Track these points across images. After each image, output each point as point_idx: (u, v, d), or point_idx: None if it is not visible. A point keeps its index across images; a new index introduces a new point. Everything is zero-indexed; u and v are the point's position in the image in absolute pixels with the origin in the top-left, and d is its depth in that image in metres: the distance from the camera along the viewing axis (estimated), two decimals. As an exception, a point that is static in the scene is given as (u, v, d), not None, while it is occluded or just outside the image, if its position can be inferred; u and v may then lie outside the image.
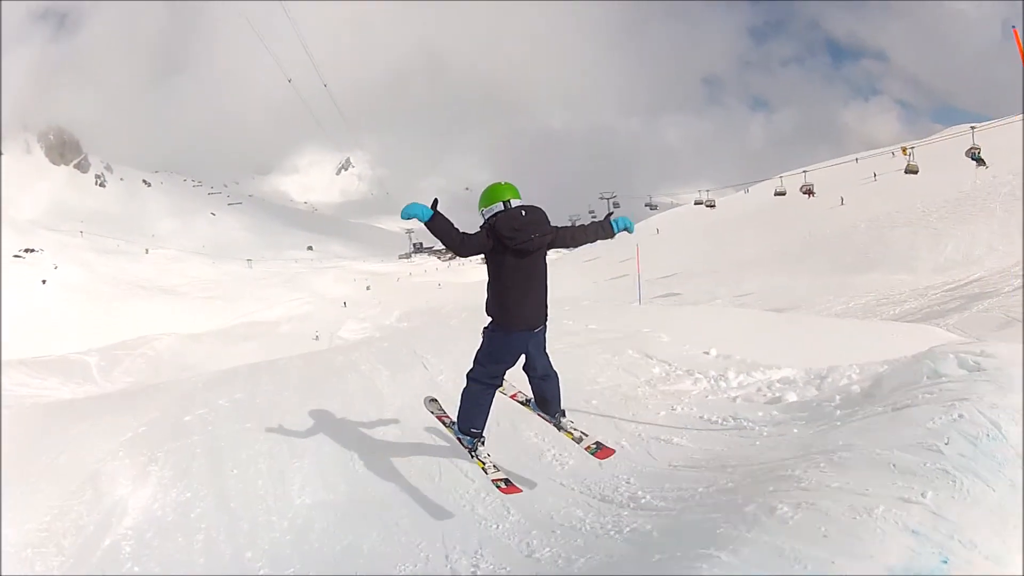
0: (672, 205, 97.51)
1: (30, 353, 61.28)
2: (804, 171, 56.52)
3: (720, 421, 7.81)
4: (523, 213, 6.41)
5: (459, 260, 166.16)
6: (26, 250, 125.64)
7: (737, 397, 8.57)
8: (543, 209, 6.58)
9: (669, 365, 10.28)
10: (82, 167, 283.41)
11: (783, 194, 56.65)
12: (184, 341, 70.88)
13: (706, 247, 66.56)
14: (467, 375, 7.08)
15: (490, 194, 6.61)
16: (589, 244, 7.26)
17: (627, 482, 6.89)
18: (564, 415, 7.51)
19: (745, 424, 7.50)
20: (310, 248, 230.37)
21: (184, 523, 8.47)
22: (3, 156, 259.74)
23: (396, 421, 10.11)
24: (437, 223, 6.36)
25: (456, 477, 8.20)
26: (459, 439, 7.19)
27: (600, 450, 7.09)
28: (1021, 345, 6.21)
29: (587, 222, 7.94)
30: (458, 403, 7.16)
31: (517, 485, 6.90)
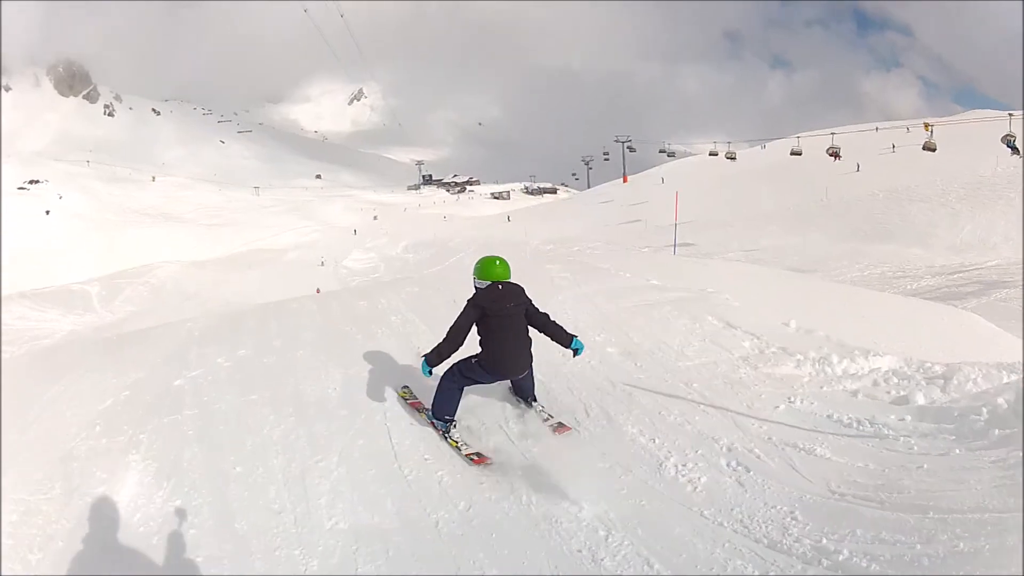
0: (686, 154, 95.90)
1: (33, 285, 61.55)
2: (832, 133, 55.17)
3: (854, 424, 6.94)
4: (499, 287, 7.55)
5: (467, 193, 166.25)
6: (30, 181, 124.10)
7: (857, 391, 7.71)
8: (521, 286, 7.76)
9: (757, 338, 9.40)
10: (91, 98, 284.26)
11: (799, 154, 57.37)
12: (187, 269, 71.61)
13: (718, 199, 65.60)
14: (443, 375, 7.88)
15: (485, 271, 7.65)
16: (548, 334, 7.88)
17: (793, 517, 5.55)
18: (536, 400, 8.23)
19: (885, 432, 6.68)
20: (319, 177, 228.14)
21: (172, 551, 6.35)
22: (10, 91, 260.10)
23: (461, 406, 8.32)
24: (433, 360, 7.59)
25: (550, 496, 6.41)
26: (433, 423, 7.89)
27: (559, 427, 7.73)
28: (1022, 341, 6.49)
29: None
30: (434, 393, 7.96)
31: (486, 455, 7.35)
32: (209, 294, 56.30)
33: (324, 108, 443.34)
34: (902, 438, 6.46)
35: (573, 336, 7.70)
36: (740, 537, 5.44)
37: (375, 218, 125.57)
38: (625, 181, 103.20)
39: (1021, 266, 26.49)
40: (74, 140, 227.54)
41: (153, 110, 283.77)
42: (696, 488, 6.22)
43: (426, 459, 7.33)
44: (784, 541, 5.26)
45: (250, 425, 8.10)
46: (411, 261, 66.63)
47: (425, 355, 7.59)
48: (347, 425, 7.97)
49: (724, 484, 6.19)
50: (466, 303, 7.58)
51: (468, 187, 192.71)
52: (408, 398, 8.56)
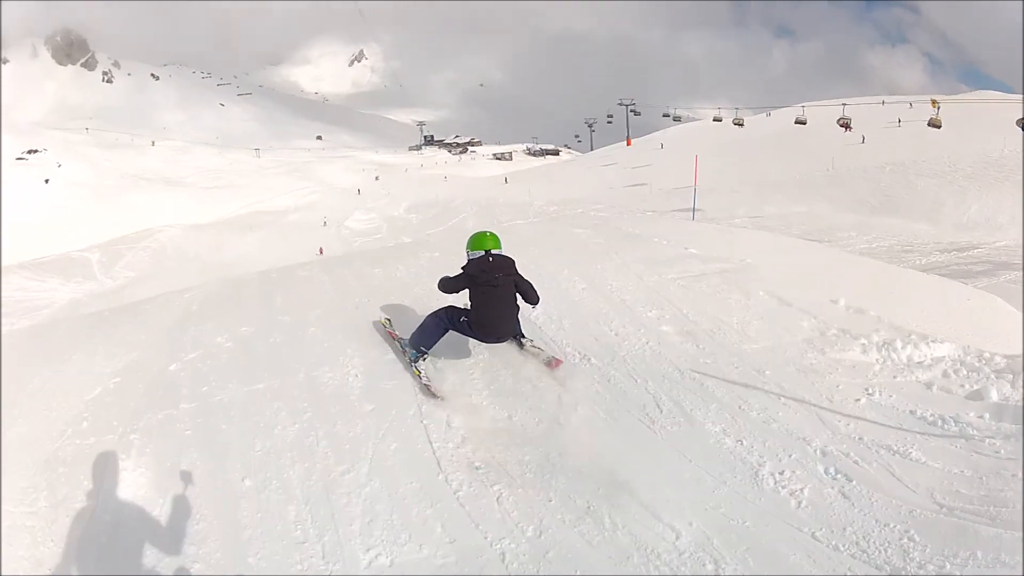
0: (690, 119, 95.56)
1: (33, 254, 61.45)
2: (843, 104, 55.97)
3: (938, 423, 6.41)
4: (490, 259, 7.87)
5: (469, 154, 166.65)
6: (29, 151, 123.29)
7: (931, 384, 7.12)
8: (511, 258, 8.02)
9: (814, 318, 8.70)
10: (89, 65, 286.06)
11: (804, 123, 57.13)
12: (187, 232, 71.88)
13: (722, 165, 63.84)
14: (432, 312, 8.16)
15: (476, 243, 8.00)
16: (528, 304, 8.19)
17: (910, 538, 5.03)
18: (524, 336, 8.44)
19: (970, 432, 6.20)
20: (319, 138, 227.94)
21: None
22: (8, 63, 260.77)
23: (502, 393, 7.57)
24: (442, 280, 8.09)
25: (636, 516, 5.53)
26: (404, 350, 8.19)
27: (551, 361, 7.99)
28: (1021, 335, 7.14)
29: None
30: (419, 325, 8.18)
31: (438, 393, 7.53)
32: (210, 257, 55.69)
33: (324, 70, 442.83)
34: (987, 439, 6.04)
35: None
36: (860, 564, 4.88)
37: (376, 179, 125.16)
38: (628, 144, 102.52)
39: (1021, 247, 26.84)
40: (72, 108, 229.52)
41: (152, 75, 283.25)
42: (800, 503, 5.55)
43: (477, 467, 6.32)
44: (907, 568, 4.78)
45: (258, 423, 7.06)
46: (413, 222, 65.87)
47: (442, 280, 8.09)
48: (375, 424, 6.98)
49: (828, 497, 5.57)
50: (460, 270, 8.03)
51: (470, 148, 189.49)
52: (387, 327, 8.94)
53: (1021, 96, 42.72)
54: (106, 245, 63.82)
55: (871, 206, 41.46)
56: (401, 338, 8.43)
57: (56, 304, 41.79)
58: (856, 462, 5.88)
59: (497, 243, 8.04)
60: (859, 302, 8.92)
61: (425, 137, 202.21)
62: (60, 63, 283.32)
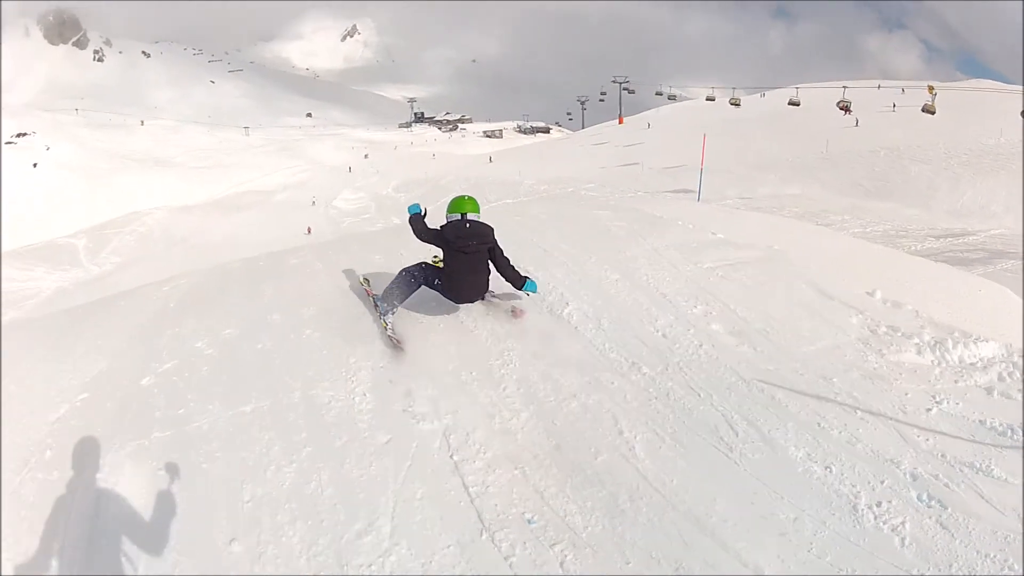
0: (683, 98, 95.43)
1: (21, 241, 61.29)
2: (844, 86, 55.85)
3: (1008, 433, 5.98)
4: (467, 226, 8.04)
5: (459, 132, 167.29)
6: (18, 135, 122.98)
7: (991, 388, 6.65)
8: (490, 227, 8.21)
9: (860, 313, 8.09)
10: (80, 44, 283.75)
11: (797, 104, 57.94)
12: (175, 214, 71.84)
13: (714, 145, 63.17)
14: (406, 268, 8.28)
15: (453, 206, 8.28)
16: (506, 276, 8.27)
17: (1009, 567, 4.68)
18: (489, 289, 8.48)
19: None
20: (309, 115, 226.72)
21: None
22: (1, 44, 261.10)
23: (544, 415, 6.59)
24: (417, 220, 8.28)
25: None
26: (376, 304, 8.20)
27: (514, 310, 8.32)
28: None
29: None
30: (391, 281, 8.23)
31: (401, 344, 7.62)
32: (197, 240, 55.44)
33: (317, 45, 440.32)
34: (1059, 456, 5.67)
35: (526, 279, 8.28)
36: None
37: (366, 157, 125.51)
38: (621, 122, 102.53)
39: (1021, 237, 26.49)
40: (64, 88, 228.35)
41: (143, 52, 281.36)
42: (904, 539, 5.01)
43: (529, 520, 5.29)
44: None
45: (246, 461, 5.93)
46: (403, 201, 64.39)
47: (416, 214, 8.33)
48: (394, 462, 5.92)
49: (929, 529, 5.06)
50: (438, 227, 8.18)
51: (460, 125, 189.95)
52: (365, 286, 9.02)
53: (1020, 87, 42.80)
54: (93, 230, 63.80)
55: (865, 190, 41.67)
56: (376, 295, 8.42)
57: (43, 294, 41.66)
58: (946, 485, 5.45)
59: (475, 207, 8.29)
60: (894, 294, 8.48)
61: (415, 114, 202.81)
62: (52, 43, 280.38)
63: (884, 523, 5.08)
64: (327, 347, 7.69)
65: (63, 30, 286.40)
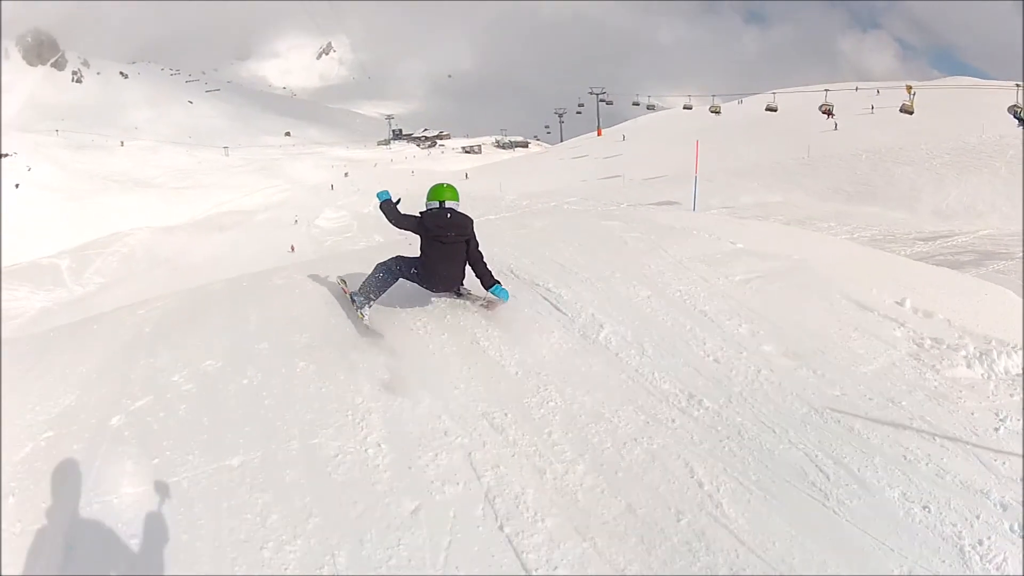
0: (662, 108, 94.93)
1: (4, 261, 60.11)
2: (826, 90, 54.16)
3: None
4: (448, 216, 8.10)
5: (438, 148, 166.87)
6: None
7: None
8: (470, 218, 8.30)
9: (902, 325, 7.65)
10: (59, 65, 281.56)
11: (774, 110, 56.58)
12: (157, 234, 70.57)
13: (689, 152, 62.88)
14: (382, 262, 8.37)
15: (433, 193, 8.30)
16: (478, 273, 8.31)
17: None
18: (463, 287, 8.62)
19: None
20: (287, 134, 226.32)
21: None
22: None
23: (608, 467, 5.60)
24: (389, 206, 8.31)
25: None
26: (353, 299, 8.16)
27: (489, 304, 8.35)
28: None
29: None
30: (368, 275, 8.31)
31: (379, 332, 7.72)
32: (180, 260, 54.19)
33: (292, 63, 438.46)
34: None
35: (496, 283, 8.23)
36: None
37: (346, 175, 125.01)
38: (599, 135, 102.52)
39: (1017, 237, 25.86)
40: (44, 109, 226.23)
41: (121, 73, 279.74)
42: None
43: None
44: None
45: (236, 535, 4.91)
46: (384, 219, 64.06)
47: (387, 200, 8.41)
48: (428, 537, 4.86)
49: None
50: (418, 214, 8.24)
51: (439, 141, 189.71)
52: (343, 285, 8.88)
53: (999, 82, 43.10)
54: (76, 251, 62.70)
55: (848, 194, 41.45)
56: (354, 292, 8.25)
57: (27, 314, 41.58)
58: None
59: (455, 195, 8.30)
60: (920, 303, 8.08)
61: (393, 131, 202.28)
62: (30, 64, 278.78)
63: (989, 563, 4.67)
64: (327, 382, 6.69)
65: (41, 51, 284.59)
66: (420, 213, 8.18)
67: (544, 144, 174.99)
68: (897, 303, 8.10)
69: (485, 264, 8.30)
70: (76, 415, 6.58)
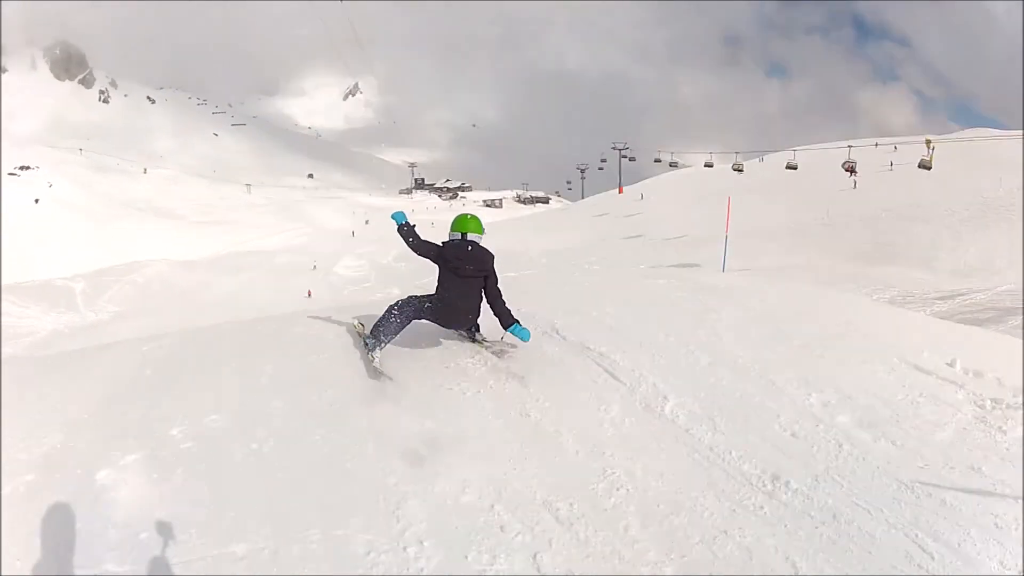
0: (683, 165, 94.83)
1: (17, 275, 60.31)
2: (849, 146, 54.10)
3: None
4: (469, 248, 7.94)
5: (459, 200, 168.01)
6: (21, 167, 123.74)
7: None
8: (491, 254, 8.11)
9: (961, 387, 7.39)
10: (87, 82, 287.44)
11: (795, 168, 56.32)
12: (175, 268, 69.54)
13: (711, 213, 62.05)
14: (394, 303, 8.04)
15: (457, 224, 8.21)
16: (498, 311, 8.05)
17: None
18: (479, 332, 8.45)
19: None
20: (311, 176, 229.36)
21: None
22: (6, 72, 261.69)
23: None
24: (407, 228, 8.36)
25: None
26: (365, 341, 7.90)
27: (501, 354, 8.06)
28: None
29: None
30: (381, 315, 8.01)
31: (388, 372, 7.38)
32: (196, 296, 53.58)
33: (318, 102, 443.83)
34: None
35: (515, 322, 7.95)
36: None
37: (367, 222, 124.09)
38: (621, 192, 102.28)
39: None
40: (68, 125, 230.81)
41: (148, 98, 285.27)
42: None
43: None
44: None
45: None
46: (403, 271, 63.10)
47: (405, 223, 8.42)
48: None
49: None
50: (440, 244, 8.10)
51: (460, 193, 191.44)
52: (359, 329, 8.46)
53: (1016, 132, 43.04)
54: (91, 275, 62.38)
55: (867, 255, 40.29)
56: (366, 336, 7.96)
57: (38, 334, 40.64)
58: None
59: (478, 228, 8.22)
60: (970, 363, 7.85)
61: (416, 180, 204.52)
62: (58, 77, 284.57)
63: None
64: (353, 457, 5.77)
65: (70, 66, 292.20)
66: (442, 243, 8.08)
67: (565, 200, 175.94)
68: (948, 364, 7.86)
69: (504, 303, 8.09)
70: (61, 461, 5.85)
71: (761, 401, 6.99)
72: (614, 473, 5.71)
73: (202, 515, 4.95)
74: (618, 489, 5.50)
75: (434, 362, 7.88)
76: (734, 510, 5.28)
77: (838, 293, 14.99)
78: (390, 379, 7.20)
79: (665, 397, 6.97)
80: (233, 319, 12.51)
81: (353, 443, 5.93)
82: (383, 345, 7.74)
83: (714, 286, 11.51)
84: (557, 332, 8.69)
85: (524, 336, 7.87)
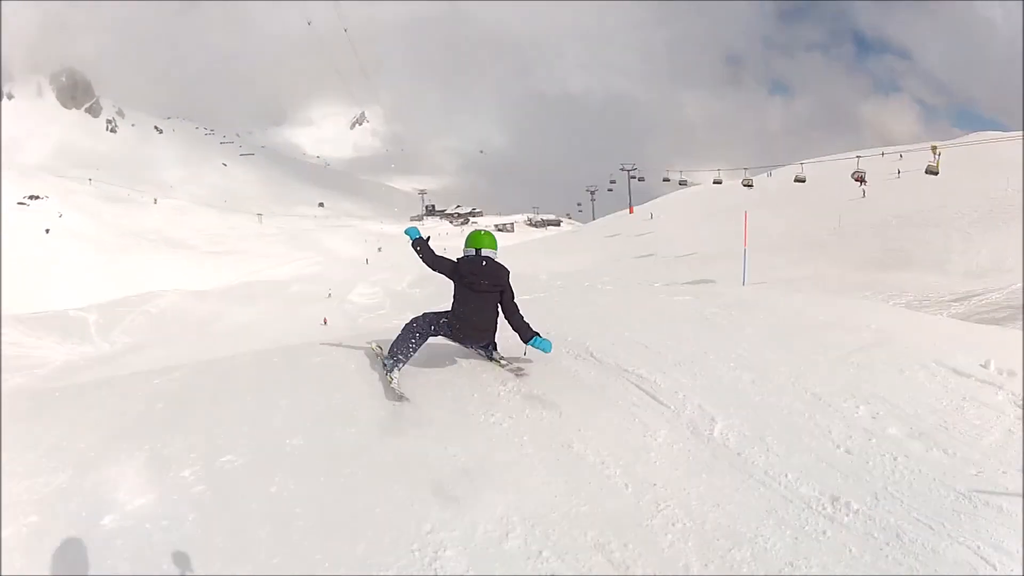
0: (692, 183, 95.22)
1: (30, 306, 60.60)
2: (858, 157, 53.95)
3: None
4: (483, 264, 7.96)
5: (470, 225, 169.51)
6: (31, 197, 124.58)
7: None
8: (506, 269, 8.15)
9: (1000, 388, 7.19)
10: (93, 111, 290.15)
11: (803, 181, 56.43)
12: (188, 298, 69.39)
13: (720, 230, 62.11)
14: (411, 320, 8.11)
15: (471, 240, 8.17)
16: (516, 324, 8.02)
17: None
18: (496, 349, 8.33)
19: None
20: (321, 205, 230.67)
21: None
22: (13, 99, 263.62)
23: None
24: (423, 244, 8.38)
25: None
26: (383, 362, 7.89)
27: (518, 372, 7.93)
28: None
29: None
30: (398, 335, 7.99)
31: (407, 395, 7.22)
32: (210, 327, 53.51)
33: (326, 132, 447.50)
34: None
35: (535, 334, 7.94)
36: None
37: (380, 250, 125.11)
38: (631, 212, 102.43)
39: None
40: (75, 154, 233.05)
41: (155, 128, 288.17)
42: None
43: None
44: None
45: None
46: (417, 297, 62.99)
47: (420, 238, 8.45)
48: None
49: None
50: (455, 260, 8.17)
51: (471, 218, 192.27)
52: (377, 351, 8.49)
53: (1018, 132, 43.11)
54: (105, 306, 62.66)
55: (880, 262, 40.18)
56: (384, 357, 8.01)
57: (51, 364, 40.38)
58: None
59: (492, 243, 8.19)
60: (1003, 364, 7.70)
61: (427, 207, 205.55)
62: (65, 105, 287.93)
63: None
64: (382, 499, 5.28)
65: (76, 93, 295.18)
66: (456, 259, 8.13)
67: (576, 222, 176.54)
68: (982, 366, 7.70)
69: (522, 317, 8.08)
70: (66, 502, 5.42)
71: (810, 417, 6.72)
72: (667, 506, 5.31)
73: (217, 567, 4.54)
74: (673, 524, 5.10)
75: (462, 390, 7.49)
76: (797, 538, 4.98)
77: (866, 301, 15.40)
78: (408, 400, 7.08)
79: (713, 419, 6.63)
80: (247, 349, 11.60)
81: (380, 484, 5.44)
82: (401, 365, 7.73)
83: (743, 300, 11.39)
84: (592, 355, 8.31)
85: (546, 347, 7.91)
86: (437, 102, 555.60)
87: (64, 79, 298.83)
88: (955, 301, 26.58)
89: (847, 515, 5.21)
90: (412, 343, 7.83)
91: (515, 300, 8.13)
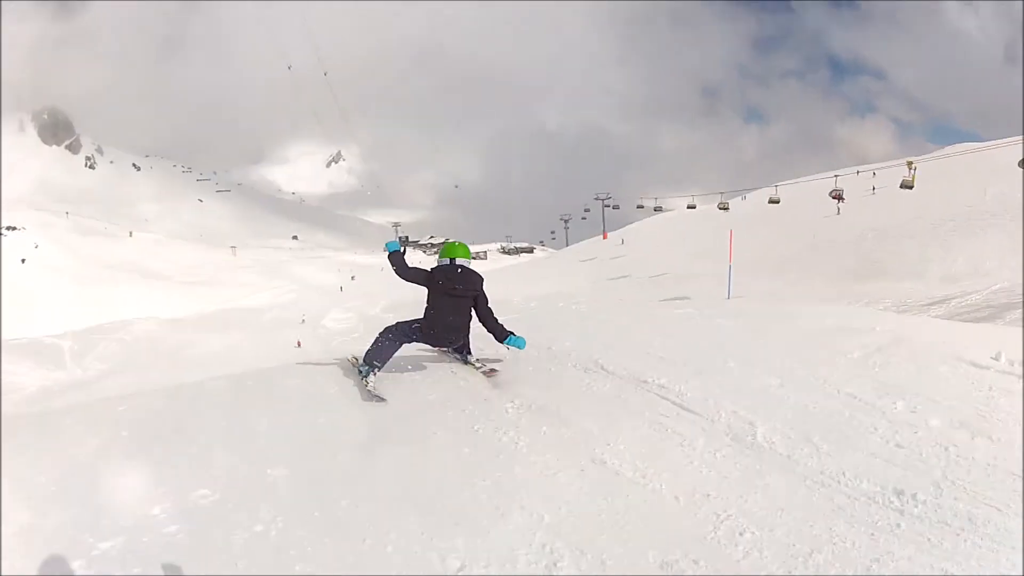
0: (667, 210, 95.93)
1: (5, 334, 60.00)
2: (836, 175, 55.89)
3: None
4: (458, 270, 8.41)
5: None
6: (7, 228, 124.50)
7: None
8: (480, 275, 8.66)
9: (1016, 377, 7.15)
10: (73, 148, 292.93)
11: (777, 202, 57.05)
12: (163, 326, 68.07)
13: (698, 251, 62.37)
14: (384, 329, 8.53)
15: (445, 251, 8.72)
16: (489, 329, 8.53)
17: None
18: (471, 354, 8.77)
19: None
20: (295, 238, 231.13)
21: None
22: None
23: None
24: (398, 257, 8.86)
25: None
26: (359, 369, 8.18)
27: (489, 372, 8.36)
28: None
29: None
30: (371, 343, 8.34)
31: (384, 397, 7.50)
32: (185, 353, 53.13)
33: (302, 169, 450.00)
34: None
35: (509, 334, 8.40)
36: None
37: (352, 278, 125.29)
38: (605, 238, 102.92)
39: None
40: (54, 190, 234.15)
41: (133, 165, 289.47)
42: None
43: None
44: None
45: None
46: (391, 321, 63.18)
47: (396, 252, 8.93)
48: None
49: None
50: (429, 269, 8.50)
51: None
52: (354, 363, 8.60)
53: (994, 141, 43.38)
54: (79, 333, 62.51)
55: (855, 273, 39.67)
56: (359, 360, 8.38)
57: (26, 390, 40.33)
58: None
59: (466, 253, 8.67)
60: (1013, 355, 7.70)
61: (400, 238, 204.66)
62: (46, 142, 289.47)
63: None
64: (393, 536, 4.66)
65: (57, 131, 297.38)
66: (431, 268, 8.50)
67: (550, 249, 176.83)
68: (994, 359, 7.70)
69: (496, 319, 8.54)
70: (28, 544, 4.85)
71: (851, 416, 6.61)
72: (729, 516, 5.03)
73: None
74: (741, 534, 4.82)
75: (463, 407, 7.25)
76: (873, 535, 4.80)
77: (861, 308, 16.11)
78: (383, 400, 7.41)
79: (751, 424, 6.45)
80: (221, 373, 10.60)
81: (386, 516, 4.84)
82: (376, 370, 8.04)
83: (746, 309, 11.89)
84: (602, 367, 8.13)
85: (520, 344, 8.36)
86: (414, 139, 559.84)
87: (46, 116, 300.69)
88: (933, 304, 26.83)
89: (916, 506, 5.13)
90: (386, 348, 8.19)
91: (489, 305, 8.59)
